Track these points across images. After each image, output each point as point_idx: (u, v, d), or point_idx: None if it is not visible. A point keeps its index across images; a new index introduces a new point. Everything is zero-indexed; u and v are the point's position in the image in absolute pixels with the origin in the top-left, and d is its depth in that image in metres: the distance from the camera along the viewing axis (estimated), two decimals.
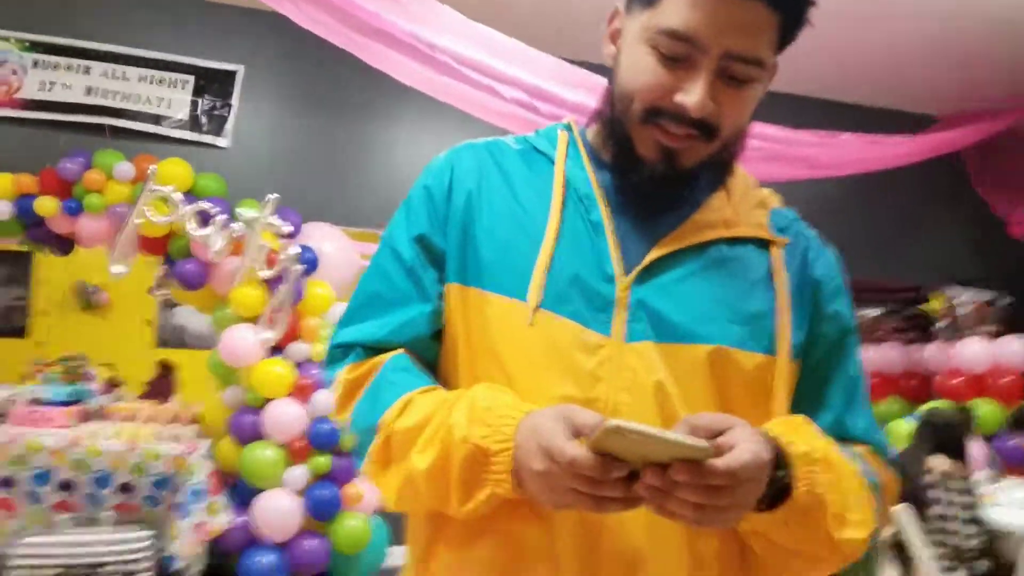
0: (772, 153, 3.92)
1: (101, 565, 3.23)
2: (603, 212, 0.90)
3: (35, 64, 4.19)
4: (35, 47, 4.18)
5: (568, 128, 0.99)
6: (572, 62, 3.37)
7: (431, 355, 0.94)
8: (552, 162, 0.94)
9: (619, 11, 0.93)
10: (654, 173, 0.87)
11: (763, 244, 0.92)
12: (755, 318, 0.87)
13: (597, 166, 0.94)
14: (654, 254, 0.87)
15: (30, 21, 4.15)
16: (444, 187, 0.94)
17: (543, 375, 0.84)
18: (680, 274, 0.87)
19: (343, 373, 0.92)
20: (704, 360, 0.84)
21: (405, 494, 0.85)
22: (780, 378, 0.87)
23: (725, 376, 0.85)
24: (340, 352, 0.94)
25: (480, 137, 0.99)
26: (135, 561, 3.28)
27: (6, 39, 4.14)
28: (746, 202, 0.94)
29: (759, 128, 3.47)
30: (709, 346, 0.84)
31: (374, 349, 0.92)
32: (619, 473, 0.68)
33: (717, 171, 0.93)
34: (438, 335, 0.93)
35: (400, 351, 0.91)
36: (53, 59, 4.21)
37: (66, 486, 3.32)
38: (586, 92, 3.38)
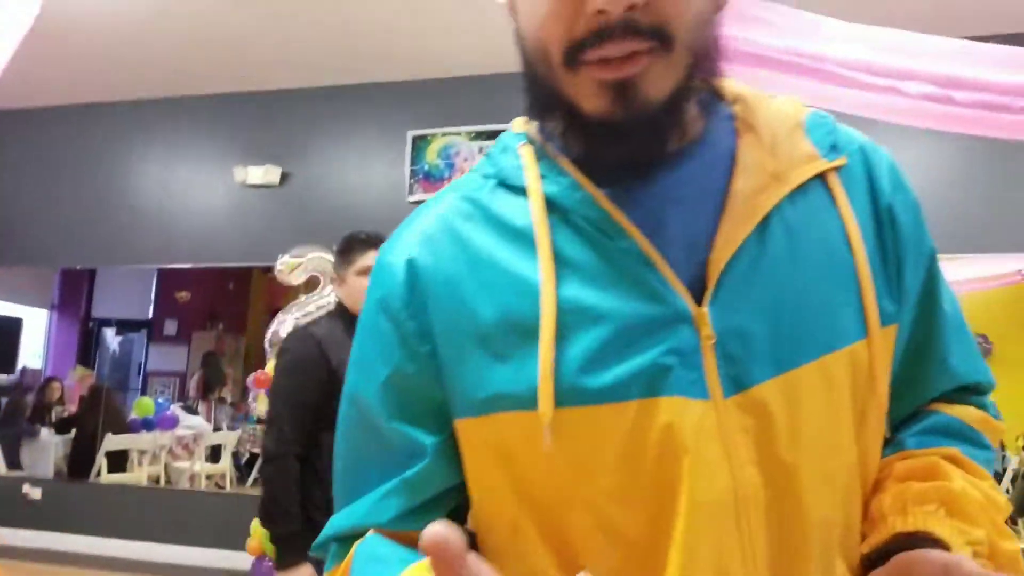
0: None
1: None
2: (629, 229, 0.62)
3: (480, 150, 4.91)
4: (479, 136, 4.91)
5: (527, 138, 0.71)
6: (992, 37, 2.89)
7: (437, 516, 0.64)
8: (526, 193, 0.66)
9: None
10: (622, 127, 0.60)
11: (819, 177, 0.67)
12: (846, 292, 0.64)
13: (590, 170, 0.66)
14: (716, 261, 0.61)
15: (474, 116, 4.87)
16: (403, 295, 0.67)
17: (598, 507, 0.60)
18: (747, 274, 0.62)
19: None
20: (815, 380, 0.61)
21: None
22: (880, 358, 0.64)
23: (834, 390, 0.62)
24: (323, 552, 0.72)
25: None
26: None
27: (457, 134, 4.92)
28: (781, 134, 0.68)
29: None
30: (813, 362, 0.61)
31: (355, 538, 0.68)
32: None
33: (710, 102, 0.69)
34: (448, 492, 0.68)
35: (370, 533, 0.67)
36: (491, 143, 4.91)
37: None
38: (1018, 70, 2.87)
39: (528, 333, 0.61)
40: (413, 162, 5.07)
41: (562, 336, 0.60)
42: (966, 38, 2.87)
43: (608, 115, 0.60)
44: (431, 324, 0.65)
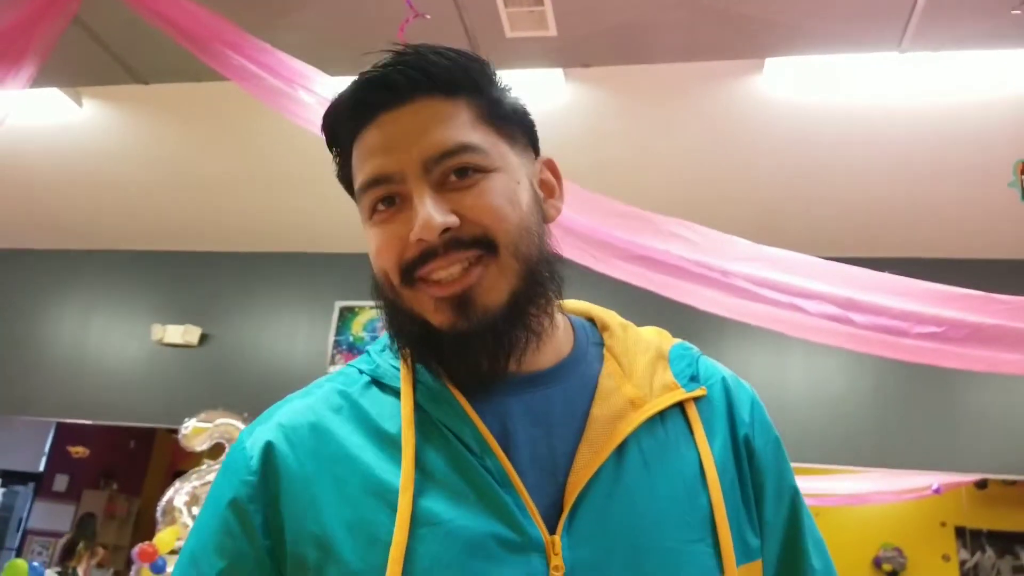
0: None
1: None
2: (494, 447, 0.64)
3: None
4: None
5: None
6: (888, 260, 3.13)
7: None
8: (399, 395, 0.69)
9: None
10: (467, 337, 0.64)
11: (678, 406, 0.70)
12: (702, 529, 0.64)
13: (462, 380, 0.69)
14: (573, 485, 0.62)
15: None
16: (253, 487, 0.67)
17: None
18: (603, 503, 0.63)
19: None
20: None
21: None
22: None
23: None
24: None
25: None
26: None
27: None
28: (642, 363, 0.72)
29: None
30: None
31: None
32: None
33: (581, 328, 0.74)
34: None
35: None
36: None
37: None
38: (912, 299, 3.06)
39: (376, 542, 0.61)
40: (338, 332, 5.05)
41: (412, 550, 0.60)
42: (862, 259, 3.08)
43: (452, 327, 0.65)
44: (280, 519, 0.65)
